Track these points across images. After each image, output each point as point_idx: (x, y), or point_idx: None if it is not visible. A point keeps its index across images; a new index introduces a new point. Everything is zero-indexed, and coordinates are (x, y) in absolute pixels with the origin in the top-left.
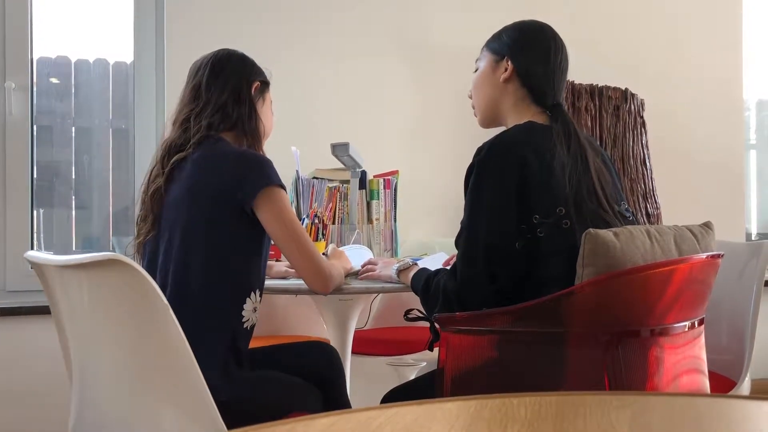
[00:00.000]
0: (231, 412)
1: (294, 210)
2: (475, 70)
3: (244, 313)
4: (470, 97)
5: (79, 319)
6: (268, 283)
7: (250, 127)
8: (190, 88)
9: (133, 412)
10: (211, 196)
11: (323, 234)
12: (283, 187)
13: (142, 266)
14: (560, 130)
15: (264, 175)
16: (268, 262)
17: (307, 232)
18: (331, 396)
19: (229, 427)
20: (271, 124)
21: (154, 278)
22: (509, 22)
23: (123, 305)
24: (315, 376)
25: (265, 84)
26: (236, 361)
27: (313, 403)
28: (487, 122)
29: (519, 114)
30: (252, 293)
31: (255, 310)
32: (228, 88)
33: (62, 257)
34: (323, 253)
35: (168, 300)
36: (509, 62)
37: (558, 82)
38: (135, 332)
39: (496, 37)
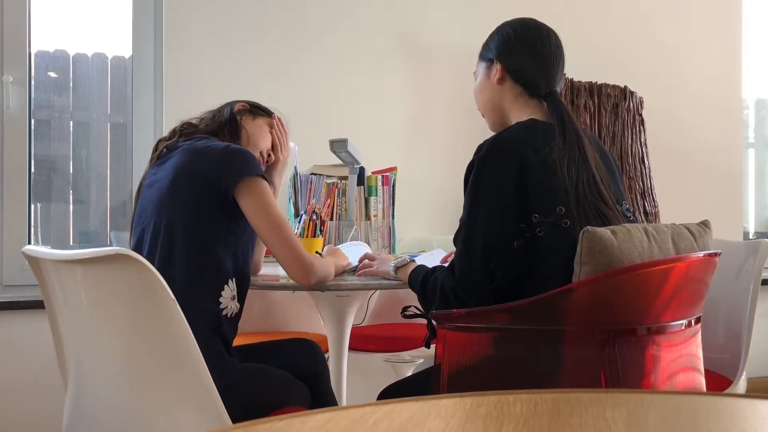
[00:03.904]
0: (225, 402)
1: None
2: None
3: (221, 300)
4: (479, 109)
5: (78, 315)
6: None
7: (230, 130)
8: None
9: (136, 406)
10: (194, 184)
11: (321, 230)
12: (265, 178)
13: None
14: (555, 122)
15: (246, 165)
16: None
17: (289, 223)
18: (317, 391)
19: None
20: (265, 143)
21: None
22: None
23: (129, 300)
24: (300, 373)
25: (255, 107)
26: (226, 349)
27: (304, 398)
28: (496, 125)
29: (520, 110)
30: (230, 281)
31: (234, 299)
32: (214, 110)
33: (66, 252)
34: (317, 253)
35: None
36: (498, 63)
37: (550, 70)
38: (140, 327)
39: (485, 45)
